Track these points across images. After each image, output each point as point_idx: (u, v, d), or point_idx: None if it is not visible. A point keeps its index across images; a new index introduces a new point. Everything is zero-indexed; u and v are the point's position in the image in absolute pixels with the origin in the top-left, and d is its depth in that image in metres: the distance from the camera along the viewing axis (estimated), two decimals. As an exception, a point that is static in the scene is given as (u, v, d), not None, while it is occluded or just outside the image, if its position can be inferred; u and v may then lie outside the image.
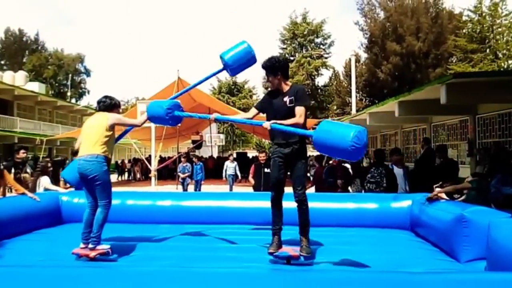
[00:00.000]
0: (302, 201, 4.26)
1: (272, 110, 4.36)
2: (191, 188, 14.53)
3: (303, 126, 4.24)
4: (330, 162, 8.92)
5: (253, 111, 4.53)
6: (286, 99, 4.27)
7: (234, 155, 21.13)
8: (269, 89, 4.62)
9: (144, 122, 5.12)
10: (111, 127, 4.67)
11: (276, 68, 4.32)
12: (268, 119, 4.26)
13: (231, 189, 16.08)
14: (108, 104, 4.89)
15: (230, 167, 16.58)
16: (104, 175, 4.55)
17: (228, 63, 5.08)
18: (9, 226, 5.36)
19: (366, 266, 4.08)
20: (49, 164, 7.77)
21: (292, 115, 4.19)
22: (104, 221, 4.58)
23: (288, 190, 4.39)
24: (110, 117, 4.69)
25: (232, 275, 2.95)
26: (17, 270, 3.14)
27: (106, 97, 4.97)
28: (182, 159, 15.16)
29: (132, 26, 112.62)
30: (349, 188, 8.95)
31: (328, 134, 3.83)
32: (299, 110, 4.18)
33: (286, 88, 4.35)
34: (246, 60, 5.14)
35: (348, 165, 9.53)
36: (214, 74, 5.44)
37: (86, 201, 4.72)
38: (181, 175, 14.64)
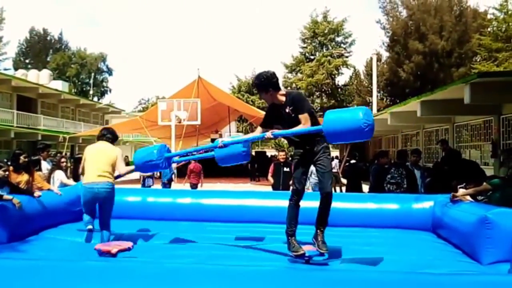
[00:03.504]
0: (330, 198, 4.28)
1: (282, 123, 4.38)
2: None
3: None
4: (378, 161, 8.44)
5: (259, 130, 4.52)
6: (288, 110, 4.29)
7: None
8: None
9: (126, 173, 5.48)
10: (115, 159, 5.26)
11: (265, 84, 4.30)
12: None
13: None
14: (112, 137, 5.54)
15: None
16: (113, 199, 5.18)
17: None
18: (34, 221, 5.49)
19: (387, 266, 4.04)
20: (63, 159, 7.90)
21: (298, 124, 4.21)
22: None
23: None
24: (118, 151, 5.36)
25: (252, 273, 2.97)
26: (40, 264, 3.21)
27: (107, 129, 5.82)
28: None
29: (153, 26, 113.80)
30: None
31: (337, 122, 3.91)
32: (303, 118, 4.19)
33: (282, 99, 4.34)
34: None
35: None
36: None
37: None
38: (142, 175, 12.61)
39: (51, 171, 7.61)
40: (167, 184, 12.64)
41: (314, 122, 4.29)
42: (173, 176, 13.18)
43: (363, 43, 65.74)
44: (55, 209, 5.91)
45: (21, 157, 6.09)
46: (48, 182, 7.26)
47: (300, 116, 4.19)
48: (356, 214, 6.10)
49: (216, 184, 17.74)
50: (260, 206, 6.35)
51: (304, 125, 4.15)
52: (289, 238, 4.26)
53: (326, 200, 4.28)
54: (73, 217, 6.34)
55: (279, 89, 4.37)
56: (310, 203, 4.52)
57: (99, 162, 5.17)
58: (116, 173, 5.32)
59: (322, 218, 4.31)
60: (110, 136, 5.53)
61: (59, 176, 7.41)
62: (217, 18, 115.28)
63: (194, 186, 12.49)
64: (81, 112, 39.94)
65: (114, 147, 5.44)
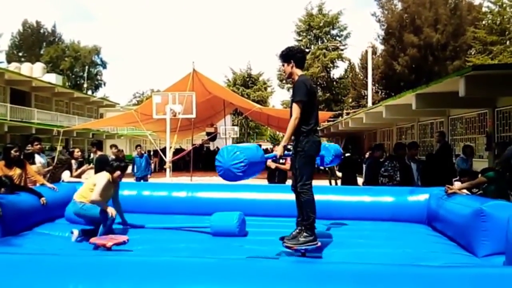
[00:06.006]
0: (300, 192, 4.21)
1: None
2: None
3: (303, 121, 4.14)
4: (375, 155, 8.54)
5: None
6: (292, 91, 4.33)
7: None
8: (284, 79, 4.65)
9: (97, 202, 5.28)
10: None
11: (288, 56, 4.37)
12: None
13: None
14: (110, 168, 5.63)
15: None
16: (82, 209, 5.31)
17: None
18: (29, 216, 5.45)
19: (382, 259, 4.05)
20: (77, 150, 8.08)
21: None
22: (104, 231, 5.10)
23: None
24: (97, 177, 5.49)
25: (247, 266, 2.96)
26: (35, 258, 3.19)
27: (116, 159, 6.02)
28: (93, 150, 10.92)
29: (147, 18, 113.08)
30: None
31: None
32: (294, 109, 4.14)
33: (295, 79, 4.37)
34: None
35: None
36: None
37: None
38: None
39: (63, 171, 7.59)
40: (140, 179, 12.28)
41: (308, 114, 4.18)
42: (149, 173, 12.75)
43: (358, 36, 65.78)
44: (49, 204, 5.86)
45: (12, 151, 6.01)
46: (56, 180, 7.31)
47: (293, 106, 4.14)
48: (351, 207, 6.10)
49: (203, 178, 17.38)
50: (255, 200, 6.34)
51: (294, 116, 4.08)
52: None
53: (301, 197, 4.23)
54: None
55: (300, 67, 4.39)
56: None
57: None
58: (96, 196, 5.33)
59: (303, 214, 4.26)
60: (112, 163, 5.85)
61: (65, 175, 7.46)
62: (212, 11, 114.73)
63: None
64: (75, 106, 39.71)
65: (101, 174, 5.60)
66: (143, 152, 12.73)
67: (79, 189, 5.63)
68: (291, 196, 4.40)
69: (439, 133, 10.47)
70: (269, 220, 5.83)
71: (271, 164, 8.52)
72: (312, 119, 4.20)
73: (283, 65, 4.45)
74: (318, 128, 4.28)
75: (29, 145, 8.12)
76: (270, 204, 6.17)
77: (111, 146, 12.16)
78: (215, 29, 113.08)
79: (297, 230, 4.22)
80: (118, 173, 5.57)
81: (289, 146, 4.51)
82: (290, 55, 4.37)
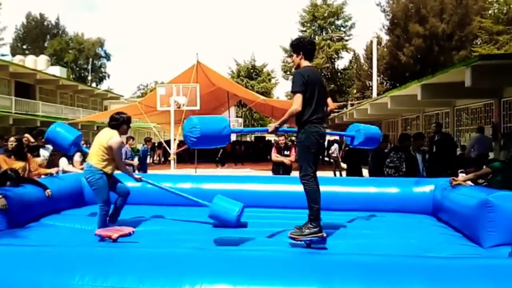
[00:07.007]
0: (302, 183, 4.18)
1: None
2: None
3: (302, 112, 4.10)
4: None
5: None
6: None
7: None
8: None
9: (121, 169, 5.28)
10: (110, 149, 5.03)
11: (299, 47, 4.35)
12: None
13: None
14: (115, 122, 5.21)
15: None
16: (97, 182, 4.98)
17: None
18: (34, 208, 5.47)
19: (387, 250, 4.04)
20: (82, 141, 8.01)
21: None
22: (102, 222, 4.97)
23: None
24: (111, 141, 5.03)
25: (252, 257, 2.96)
26: (41, 250, 3.20)
27: (117, 113, 5.37)
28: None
29: (151, 10, 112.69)
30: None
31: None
32: (294, 98, 4.16)
33: None
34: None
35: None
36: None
37: None
38: None
39: (59, 158, 7.55)
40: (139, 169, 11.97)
41: (304, 105, 4.11)
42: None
43: (363, 26, 65.22)
44: (55, 195, 5.88)
45: (9, 143, 5.96)
46: (54, 166, 7.30)
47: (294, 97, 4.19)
48: (357, 198, 6.09)
49: (208, 170, 17.41)
50: (260, 191, 6.34)
51: (293, 105, 4.11)
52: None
53: (304, 188, 4.19)
54: (73, 203, 6.35)
55: (308, 59, 4.36)
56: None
57: (93, 147, 5.21)
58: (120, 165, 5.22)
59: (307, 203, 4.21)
60: (113, 117, 5.30)
61: (62, 163, 7.43)
62: (215, 2, 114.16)
63: None
64: (80, 98, 39.75)
65: (110, 134, 5.15)
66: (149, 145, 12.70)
67: (93, 149, 5.21)
68: (296, 188, 4.40)
69: (436, 124, 10.45)
70: (274, 212, 5.82)
71: (275, 159, 8.55)
72: (309, 110, 4.12)
73: (292, 55, 4.44)
74: (313, 118, 4.13)
75: (25, 139, 7.99)
76: (274, 196, 6.16)
77: (128, 138, 12.11)
78: (218, 20, 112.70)
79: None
80: (124, 127, 5.28)
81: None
82: (300, 46, 4.35)
